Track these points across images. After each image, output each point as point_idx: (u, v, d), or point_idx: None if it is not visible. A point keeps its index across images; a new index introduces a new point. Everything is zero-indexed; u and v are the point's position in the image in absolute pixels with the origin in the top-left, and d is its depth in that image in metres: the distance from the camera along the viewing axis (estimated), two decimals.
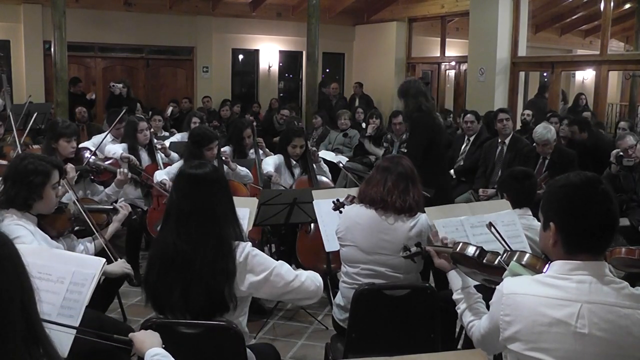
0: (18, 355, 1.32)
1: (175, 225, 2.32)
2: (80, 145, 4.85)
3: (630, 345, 1.69)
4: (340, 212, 3.50)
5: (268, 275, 2.33)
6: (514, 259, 2.10)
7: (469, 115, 7.04)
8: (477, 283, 2.38)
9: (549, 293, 1.74)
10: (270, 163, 5.13)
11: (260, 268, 2.33)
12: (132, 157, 5.11)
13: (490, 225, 2.43)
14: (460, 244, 2.34)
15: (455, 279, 2.33)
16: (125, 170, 4.26)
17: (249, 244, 2.37)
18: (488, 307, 2.14)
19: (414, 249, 2.54)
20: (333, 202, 3.60)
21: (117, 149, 5.23)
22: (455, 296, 2.30)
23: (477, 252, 2.26)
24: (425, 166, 4.55)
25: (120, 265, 3.06)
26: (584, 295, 1.71)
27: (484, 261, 2.23)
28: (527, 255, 2.08)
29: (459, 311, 2.26)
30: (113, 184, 4.35)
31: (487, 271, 2.24)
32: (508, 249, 2.37)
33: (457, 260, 2.34)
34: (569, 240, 1.77)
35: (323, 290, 2.48)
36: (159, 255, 2.34)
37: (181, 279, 2.27)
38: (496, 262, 2.20)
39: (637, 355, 1.70)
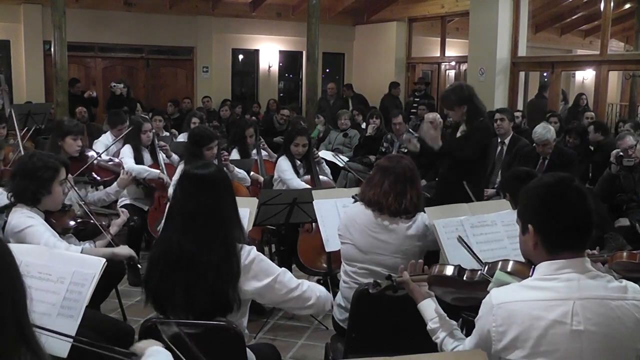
0: (7, 353, 1.31)
1: (181, 225, 2.32)
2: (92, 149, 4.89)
3: (623, 335, 1.71)
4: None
5: (272, 282, 2.33)
6: (498, 268, 2.04)
7: None
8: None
9: (540, 296, 1.74)
10: (289, 171, 5.01)
11: (264, 274, 2.33)
12: (166, 178, 5.12)
13: (460, 239, 2.41)
14: (437, 266, 2.26)
15: (428, 308, 2.21)
16: (130, 172, 4.25)
17: (254, 248, 2.37)
18: (466, 326, 2.09)
19: (384, 283, 2.34)
20: (352, 197, 3.52)
21: (151, 171, 5.19)
22: (431, 326, 2.18)
23: (456, 270, 2.19)
24: (476, 173, 4.50)
25: (126, 247, 3.19)
26: (575, 292, 1.72)
27: (464, 279, 2.16)
28: (511, 262, 2.03)
29: (437, 341, 2.16)
30: (115, 183, 4.36)
31: (469, 288, 2.16)
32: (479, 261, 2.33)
33: (433, 283, 2.24)
34: (548, 240, 1.79)
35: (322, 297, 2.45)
36: (163, 255, 2.34)
37: (185, 279, 2.26)
38: (477, 278, 2.12)
39: (631, 345, 1.72)
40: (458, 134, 4.56)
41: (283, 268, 2.41)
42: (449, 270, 2.21)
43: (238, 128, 5.92)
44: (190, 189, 2.36)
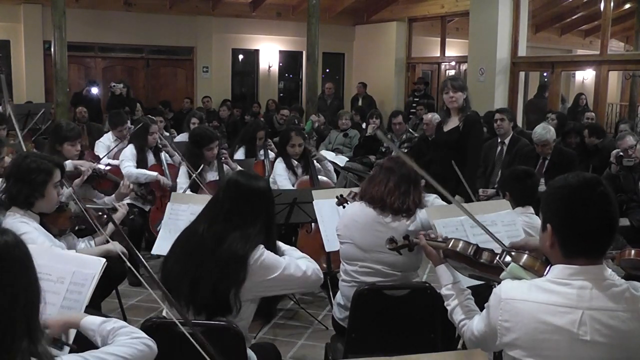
0: (16, 353, 1.33)
1: (213, 216, 2.42)
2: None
3: (631, 349, 1.68)
4: (344, 207, 3.53)
5: (278, 276, 2.39)
6: (512, 259, 2.05)
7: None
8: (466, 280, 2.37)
9: (549, 299, 1.71)
10: (284, 177, 5.05)
11: (269, 270, 2.38)
12: (163, 179, 5.17)
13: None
14: (453, 240, 2.31)
15: (444, 273, 2.31)
16: (129, 185, 4.24)
17: (260, 246, 2.40)
18: (480, 307, 2.13)
19: (400, 242, 2.52)
20: (337, 197, 3.63)
21: (149, 174, 5.19)
22: (444, 292, 2.28)
23: (473, 250, 2.22)
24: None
25: (117, 243, 3.06)
26: (585, 302, 1.69)
27: (481, 260, 2.19)
28: (525, 256, 2.01)
29: (448, 308, 2.24)
30: (114, 195, 4.32)
31: (483, 269, 2.20)
32: (505, 248, 2.34)
33: (449, 256, 2.31)
34: (566, 243, 1.74)
35: (323, 289, 2.52)
36: (185, 240, 2.45)
37: (194, 270, 2.33)
38: (495, 263, 2.15)
39: (638, 359, 1.69)
40: (446, 128, 4.80)
41: (288, 259, 2.46)
42: (467, 248, 2.23)
43: (249, 128, 6.01)
44: (234, 195, 2.44)
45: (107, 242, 3.26)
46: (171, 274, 2.40)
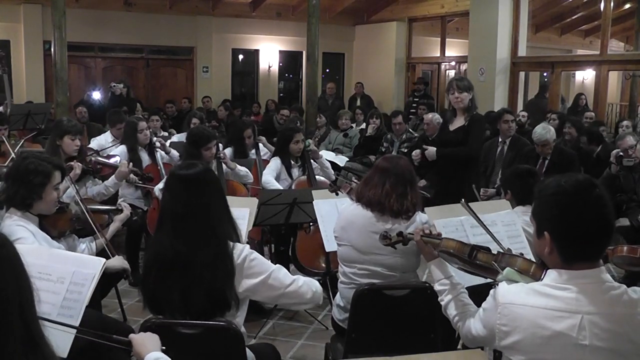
0: (16, 357, 1.32)
1: (171, 227, 2.32)
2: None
3: (630, 352, 1.68)
4: (337, 194, 3.58)
5: (265, 279, 2.33)
6: (507, 262, 2.04)
7: None
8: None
9: (547, 304, 1.70)
10: (272, 171, 5.07)
11: (257, 271, 2.33)
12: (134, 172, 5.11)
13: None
14: (449, 238, 2.31)
15: (437, 268, 2.31)
16: (127, 163, 4.24)
17: (247, 246, 2.37)
18: (476, 303, 2.12)
19: (394, 238, 2.51)
20: (329, 184, 3.65)
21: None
22: (437, 287, 2.29)
23: (469, 250, 2.21)
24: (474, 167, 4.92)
25: (120, 259, 3.06)
26: (584, 306, 1.68)
27: (477, 261, 2.18)
28: (519, 260, 2.01)
29: (442, 303, 2.25)
30: (113, 176, 4.35)
31: (476, 268, 2.20)
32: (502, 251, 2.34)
33: (443, 251, 2.31)
34: (565, 249, 1.73)
35: (323, 291, 2.49)
36: (156, 258, 2.34)
37: (180, 281, 2.26)
38: (490, 265, 2.14)
39: None
40: (451, 127, 4.85)
41: (278, 265, 2.41)
42: (463, 248, 2.22)
43: (235, 128, 5.92)
44: (177, 190, 2.36)
45: (107, 243, 3.25)
46: (156, 292, 2.32)
